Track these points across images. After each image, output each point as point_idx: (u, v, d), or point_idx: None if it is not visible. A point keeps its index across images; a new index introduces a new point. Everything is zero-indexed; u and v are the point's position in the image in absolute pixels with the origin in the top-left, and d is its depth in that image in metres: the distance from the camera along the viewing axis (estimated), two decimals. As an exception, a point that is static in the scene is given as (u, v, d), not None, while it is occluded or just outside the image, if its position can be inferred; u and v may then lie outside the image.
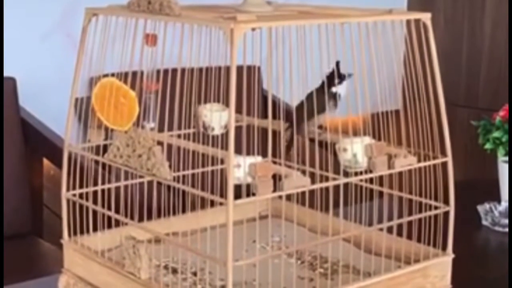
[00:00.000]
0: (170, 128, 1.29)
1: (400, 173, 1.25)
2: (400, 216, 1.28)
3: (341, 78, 1.33)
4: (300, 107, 1.30)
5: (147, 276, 1.20)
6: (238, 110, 1.22)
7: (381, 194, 1.33)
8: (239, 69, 1.09)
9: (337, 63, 1.31)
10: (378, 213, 1.30)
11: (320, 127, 1.35)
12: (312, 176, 1.20)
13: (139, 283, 1.20)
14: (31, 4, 2.42)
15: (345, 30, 1.17)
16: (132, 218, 1.26)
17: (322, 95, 1.28)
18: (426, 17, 1.23)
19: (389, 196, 1.32)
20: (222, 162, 1.36)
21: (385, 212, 1.27)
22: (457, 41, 3.26)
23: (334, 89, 1.33)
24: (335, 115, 1.34)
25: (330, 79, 1.32)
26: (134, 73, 1.24)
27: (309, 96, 1.31)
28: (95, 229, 1.33)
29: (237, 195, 1.07)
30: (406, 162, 1.24)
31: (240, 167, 1.10)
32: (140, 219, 1.30)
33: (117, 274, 1.24)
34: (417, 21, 1.24)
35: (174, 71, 1.18)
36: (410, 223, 1.28)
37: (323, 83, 1.31)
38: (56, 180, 1.78)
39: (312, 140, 1.33)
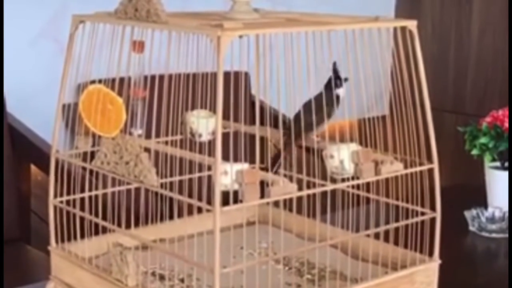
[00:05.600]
0: (158, 135, 1.29)
1: (387, 179, 1.26)
2: (387, 222, 1.28)
3: (341, 80, 1.32)
4: (299, 118, 1.28)
5: (135, 283, 1.20)
6: (226, 117, 1.23)
7: (368, 200, 1.34)
8: (227, 75, 1.09)
9: (334, 64, 1.30)
10: (365, 219, 1.30)
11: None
12: (300, 182, 1.21)
13: (127, 290, 1.20)
14: (18, 9, 2.41)
15: (332, 37, 1.18)
16: (119, 225, 1.26)
17: (323, 105, 1.25)
18: (412, 24, 1.24)
19: (376, 202, 1.32)
20: (209, 168, 1.36)
21: (372, 218, 1.27)
22: (444, 47, 3.28)
23: (337, 91, 1.32)
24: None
25: (331, 82, 1.30)
26: (122, 80, 1.24)
27: (309, 106, 1.27)
28: (82, 236, 1.33)
29: (225, 202, 1.07)
30: (392, 168, 1.25)
31: (227, 174, 1.10)
32: (128, 226, 1.30)
33: (104, 281, 1.24)
34: (404, 28, 1.24)
35: (162, 77, 1.18)
36: (397, 229, 1.29)
37: (323, 91, 1.29)
38: (43, 187, 1.78)
39: (299, 147, 1.34)
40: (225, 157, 1.09)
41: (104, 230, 1.30)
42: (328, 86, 1.30)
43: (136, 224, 1.37)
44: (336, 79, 1.30)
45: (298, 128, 1.29)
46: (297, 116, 1.32)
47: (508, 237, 1.83)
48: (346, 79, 1.31)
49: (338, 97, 1.32)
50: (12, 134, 2.26)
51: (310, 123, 1.28)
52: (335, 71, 1.30)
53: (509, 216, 1.87)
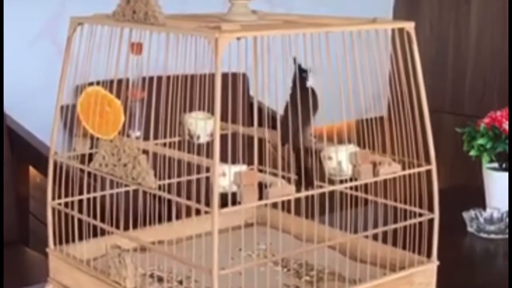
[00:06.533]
0: (156, 137, 1.29)
1: (385, 181, 1.26)
2: (385, 223, 1.28)
3: (305, 71, 1.29)
4: (284, 122, 1.27)
5: (133, 285, 1.20)
6: (224, 118, 1.23)
7: (366, 201, 1.34)
8: (225, 76, 1.09)
9: (294, 59, 1.26)
10: (363, 221, 1.30)
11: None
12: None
13: (125, 292, 1.20)
14: (16, 10, 2.41)
15: (330, 38, 1.18)
16: (117, 227, 1.26)
17: (304, 106, 1.25)
18: (409, 26, 1.24)
19: (374, 203, 1.33)
20: (207, 170, 1.36)
21: (370, 219, 1.27)
22: (442, 48, 3.28)
23: (308, 84, 1.28)
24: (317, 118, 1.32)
25: (300, 78, 1.28)
26: (120, 81, 1.24)
27: (288, 109, 1.26)
28: (80, 238, 1.33)
29: (223, 204, 1.07)
30: (390, 169, 1.25)
31: (225, 176, 1.10)
32: (126, 228, 1.30)
33: (103, 283, 1.24)
34: (401, 29, 1.24)
35: (160, 79, 1.18)
36: (395, 231, 1.29)
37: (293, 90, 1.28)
38: (42, 188, 1.78)
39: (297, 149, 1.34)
40: (223, 159, 1.09)
41: (103, 232, 1.30)
42: (298, 83, 1.27)
43: (135, 226, 1.37)
44: (301, 73, 1.27)
45: (285, 132, 1.28)
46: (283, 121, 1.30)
47: (508, 238, 1.83)
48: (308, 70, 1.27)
49: (313, 90, 1.29)
50: (10, 136, 2.26)
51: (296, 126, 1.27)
52: (299, 66, 1.27)
53: (508, 217, 1.87)
